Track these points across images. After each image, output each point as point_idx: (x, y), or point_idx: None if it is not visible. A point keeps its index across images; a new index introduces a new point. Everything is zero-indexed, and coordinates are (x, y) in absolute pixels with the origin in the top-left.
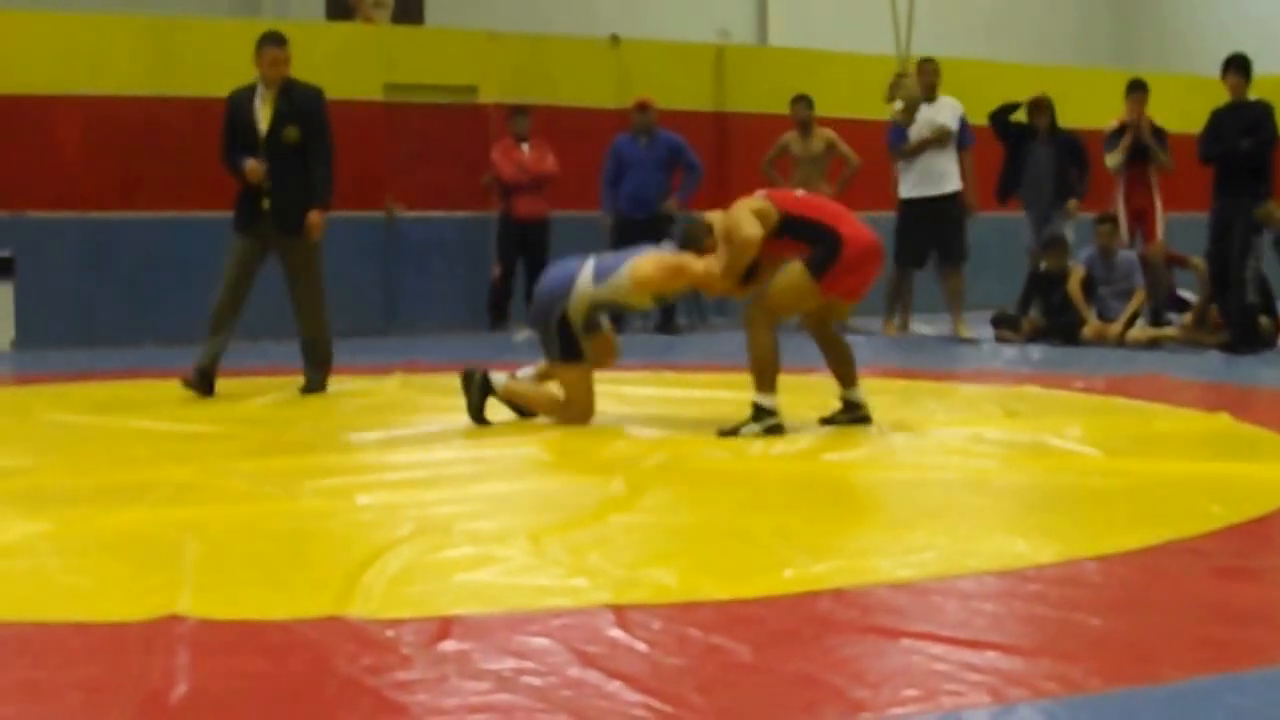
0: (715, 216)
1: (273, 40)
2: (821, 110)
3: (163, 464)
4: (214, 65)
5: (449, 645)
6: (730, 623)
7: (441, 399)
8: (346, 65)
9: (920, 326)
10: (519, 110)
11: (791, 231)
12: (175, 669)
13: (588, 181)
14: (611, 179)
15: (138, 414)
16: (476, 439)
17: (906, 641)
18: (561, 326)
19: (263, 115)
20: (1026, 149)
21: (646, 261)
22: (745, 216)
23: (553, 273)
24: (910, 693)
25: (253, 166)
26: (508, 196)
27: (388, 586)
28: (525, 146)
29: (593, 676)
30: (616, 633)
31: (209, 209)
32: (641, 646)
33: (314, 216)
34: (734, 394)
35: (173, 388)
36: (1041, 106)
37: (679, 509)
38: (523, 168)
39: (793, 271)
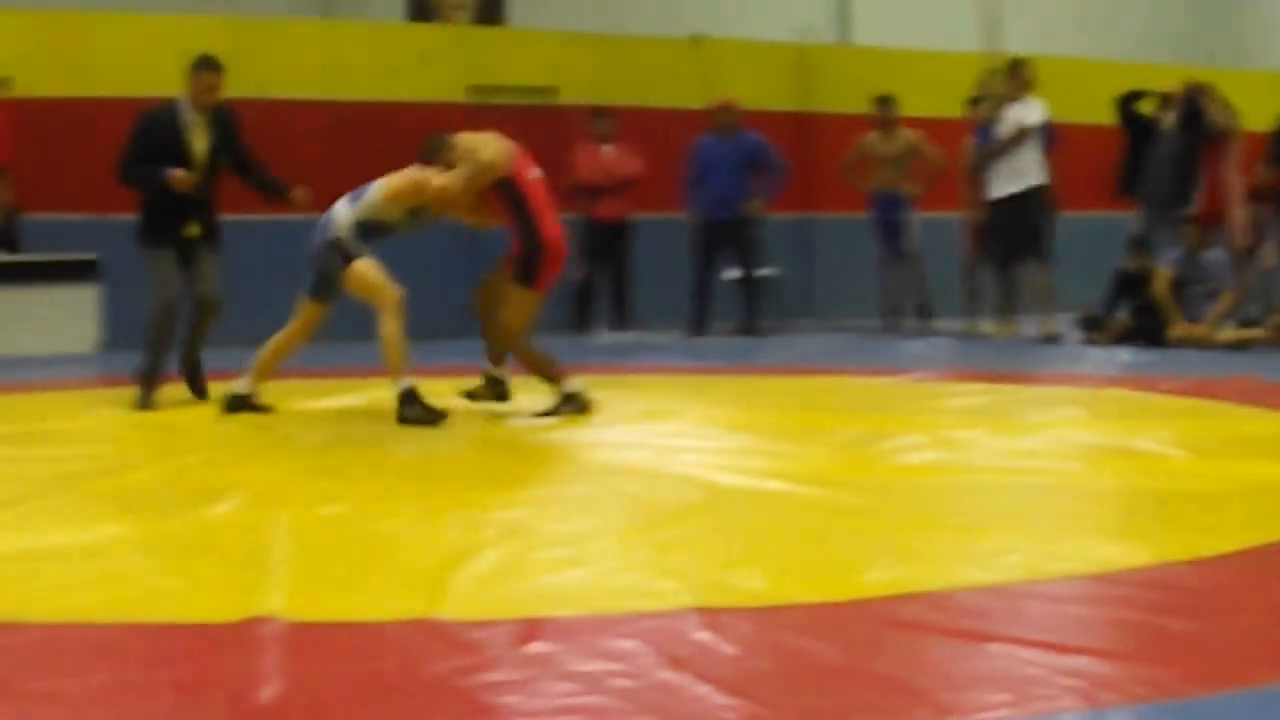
0: (461, 137)
1: (209, 66)
2: (903, 110)
3: (250, 464)
4: (292, 66)
5: (537, 647)
6: (818, 626)
7: (525, 399)
8: (427, 67)
9: (986, 326)
10: (600, 112)
11: (505, 196)
12: (265, 670)
13: (670, 183)
14: (694, 180)
15: (222, 415)
16: (555, 441)
17: (995, 646)
18: (334, 246)
19: (197, 140)
20: (1150, 143)
21: (395, 176)
22: (492, 144)
23: (318, 227)
24: (1000, 697)
25: (181, 175)
26: (590, 198)
27: (475, 588)
28: (606, 148)
29: (681, 679)
30: (704, 635)
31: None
32: (729, 649)
33: (300, 192)
34: (808, 399)
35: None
36: (1174, 99)
37: (762, 512)
38: (605, 170)
39: (513, 295)
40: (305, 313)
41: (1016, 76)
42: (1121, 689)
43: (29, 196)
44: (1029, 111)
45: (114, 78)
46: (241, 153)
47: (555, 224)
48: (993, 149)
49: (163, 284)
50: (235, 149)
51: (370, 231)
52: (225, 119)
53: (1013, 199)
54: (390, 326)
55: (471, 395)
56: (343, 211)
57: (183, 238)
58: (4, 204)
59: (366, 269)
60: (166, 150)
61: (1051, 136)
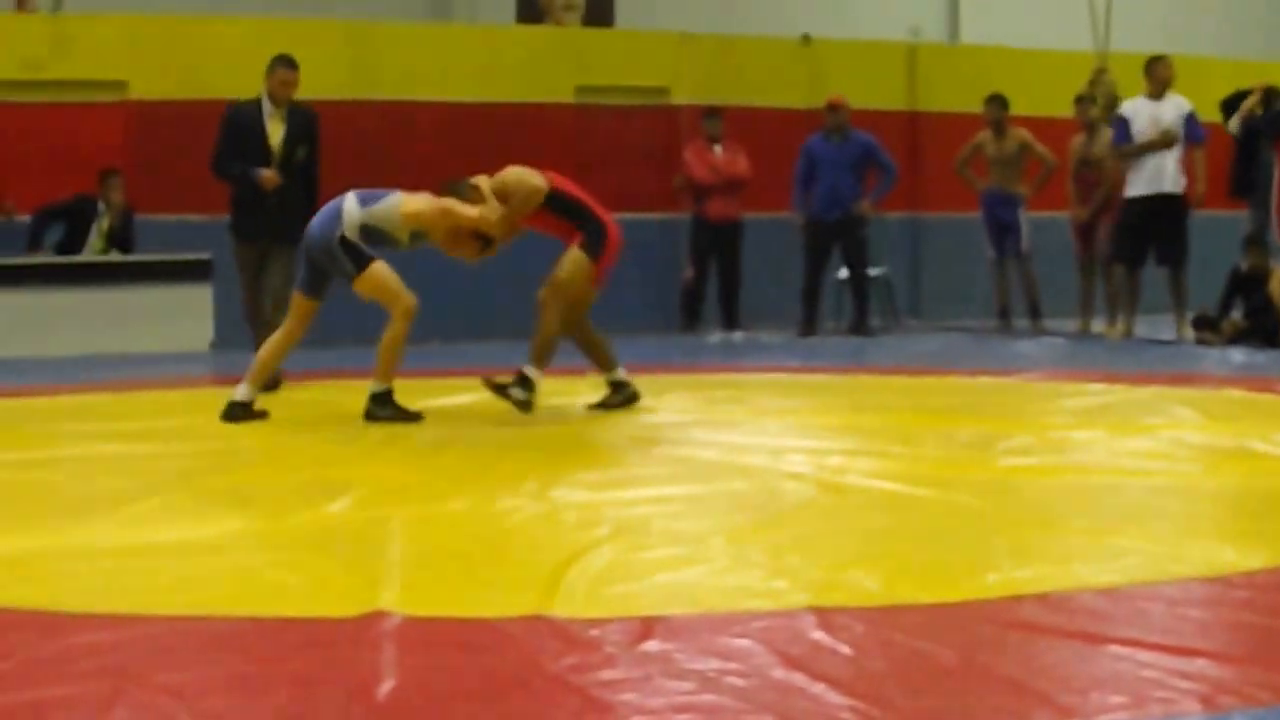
0: (483, 179)
1: (285, 63)
2: (1014, 109)
3: (363, 463)
4: (408, 69)
5: (652, 645)
6: (934, 627)
7: (592, 392)
8: (537, 68)
9: (1098, 326)
10: (711, 111)
11: (557, 206)
12: (382, 665)
13: (780, 182)
14: (804, 180)
15: (336, 413)
16: (667, 441)
17: (1113, 648)
18: (344, 245)
19: (274, 133)
20: (1257, 142)
21: (417, 198)
22: (529, 172)
23: (318, 219)
24: (1119, 699)
25: (269, 175)
26: (700, 198)
27: (590, 586)
28: (717, 148)
29: (797, 679)
30: (819, 635)
31: None
32: (845, 649)
33: None
34: (919, 400)
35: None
36: (1273, 96)
37: (875, 512)
38: (715, 169)
39: (575, 256)
40: (300, 309)
41: (1152, 75)
42: (1240, 692)
43: (141, 197)
44: (1166, 111)
45: (227, 81)
46: (308, 157)
47: (608, 216)
48: (1131, 149)
49: (243, 277)
50: (305, 151)
51: (370, 238)
52: (304, 119)
53: (1154, 200)
54: (397, 331)
55: (603, 405)
56: (352, 211)
57: (261, 231)
58: (118, 205)
59: (385, 273)
60: (247, 142)
61: (1197, 133)
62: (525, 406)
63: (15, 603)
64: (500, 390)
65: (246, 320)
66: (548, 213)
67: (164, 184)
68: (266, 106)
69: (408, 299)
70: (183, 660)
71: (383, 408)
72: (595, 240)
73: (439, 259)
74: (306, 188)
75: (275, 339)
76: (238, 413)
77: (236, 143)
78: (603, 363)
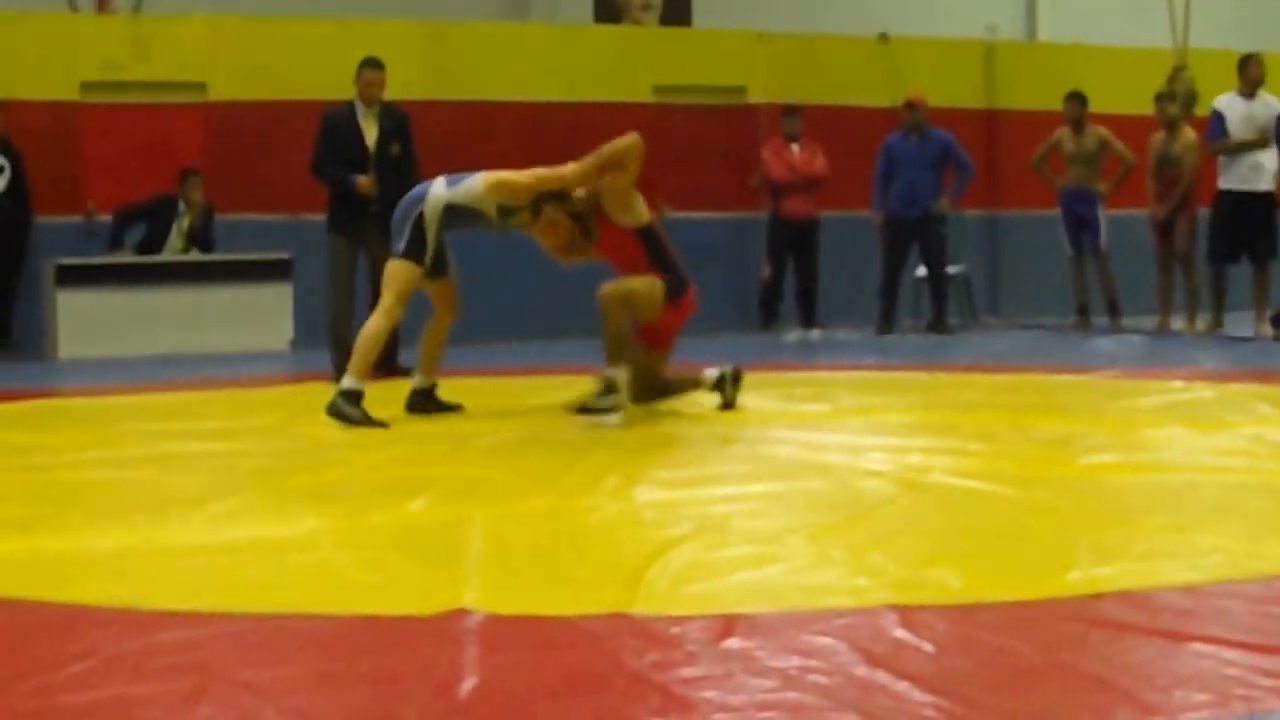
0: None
1: (371, 64)
2: (1092, 107)
3: (442, 462)
4: (485, 68)
5: (734, 643)
6: (1016, 625)
7: (711, 396)
8: (615, 67)
9: (1176, 323)
10: (790, 110)
11: (650, 244)
12: (464, 662)
13: (858, 181)
14: (883, 178)
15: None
16: (746, 439)
17: (1196, 646)
18: (415, 225)
19: (369, 132)
20: None
21: (504, 171)
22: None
23: (406, 196)
24: (1202, 697)
25: (365, 181)
26: (778, 197)
27: (670, 584)
28: (795, 147)
29: (879, 677)
30: (901, 633)
31: None
32: (927, 647)
33: None
34: (998, 398)
35: (446, 386)
36: None
37: (956, 510)
38: (793, 168)
39: (654, 283)
40: (434, 295)
41: (1245, 73)
42: None
43: (220, 197)
44: (1259, 109)
45: (305, 81)
46: (403, 155)
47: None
48: (1229, 145)
49: (335, 272)
50: (400, 149)
51: (457, 218)
52: (396, 119)
53: (1245, 197)
54: (378, 327)
55: (726, 405)
56: (439, 192)
57: (359, 228)
58: (198, 204)
59: (410, 277)
60: (345, 144)
61: None
62: (616, 411)
63: (101, 600)
64: (589, 411)
65: (328, 332)
66: (637, 245)
67: (243, 183)
68: (359, 108)
69: (399, 308)
70: (266, 658)
71: (349, 405)
72: (676, 288)
73: (518, 256)
74: (401, 185)
75: (432, 327)
76: (427, 402)
77: (334, 146)
78: (682, 382)
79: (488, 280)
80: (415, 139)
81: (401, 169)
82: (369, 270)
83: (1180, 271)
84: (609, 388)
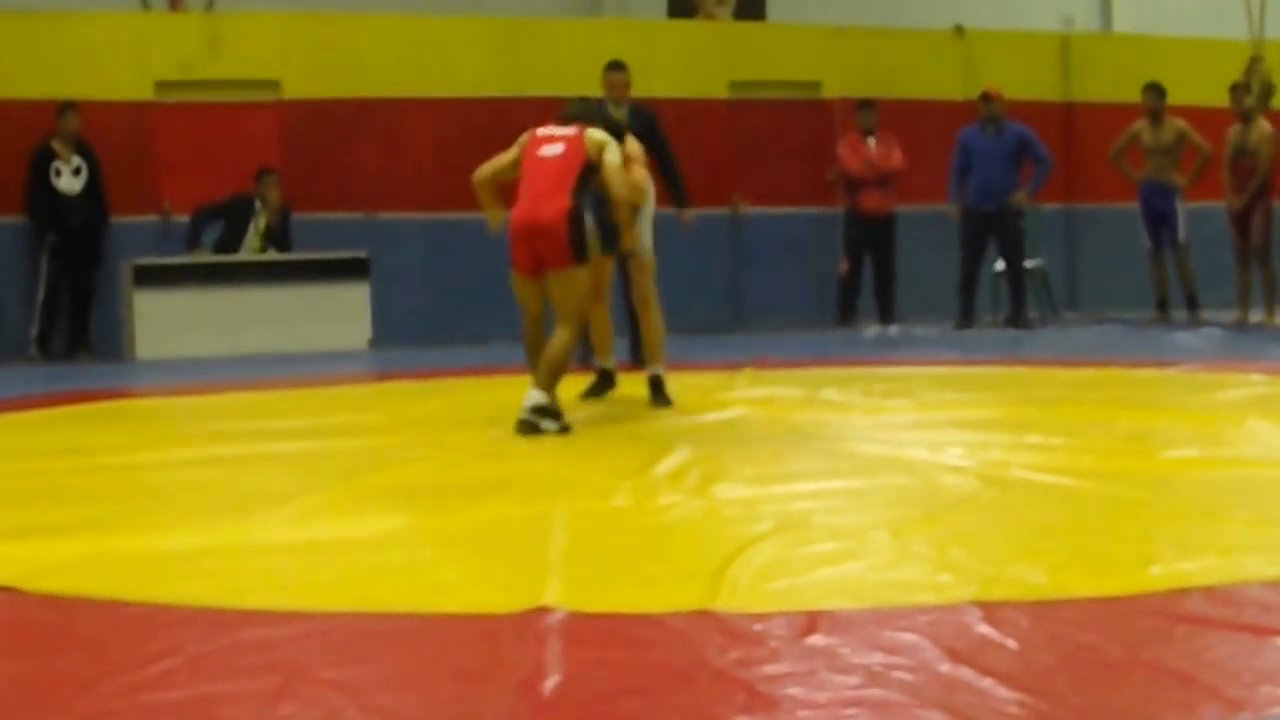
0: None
1: (612, 67)
2: (1170, 98)
3: (522, 459)
4: (559, 65)
5: (817, 639)
6: (1100, 620)
7: (790, 393)
8: (689, 63)
9: (1254, 315)
10: (865, 104)
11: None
12: (547, 660)
13: (934, 175)
14: (959, 171)
15: (495, 411)
16: (828, 435)
17: None
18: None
19: None
20: None
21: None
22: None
23: None
24: None
25: None
26: (854, 191)
27: (753, 580)
28: (871, 141)
29: (964, 673)
30: (985, 629)
31: None
32: (1011, 643)
33: (684, 214)
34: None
35: (522, 384)
36: None
37: (1038, 506)
38: (869, 163)
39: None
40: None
41: None
42: None
43: (296, 196)
44: None
45: (379, 79)
46: (657, 149)
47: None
48: None
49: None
50: (651, 144)
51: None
52: (643, 115)
53: None
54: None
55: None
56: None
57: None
58: (274, 203)
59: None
60: None
61: None
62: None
63: (184, 599)
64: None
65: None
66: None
67: (319, 182)
68: (608, 109)
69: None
70: (349, 656)
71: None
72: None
73: None
74: (667, 173)
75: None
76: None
77: None
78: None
79: None
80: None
81: (661, 163)
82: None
83: (1257, 264)
84: (656, 384)
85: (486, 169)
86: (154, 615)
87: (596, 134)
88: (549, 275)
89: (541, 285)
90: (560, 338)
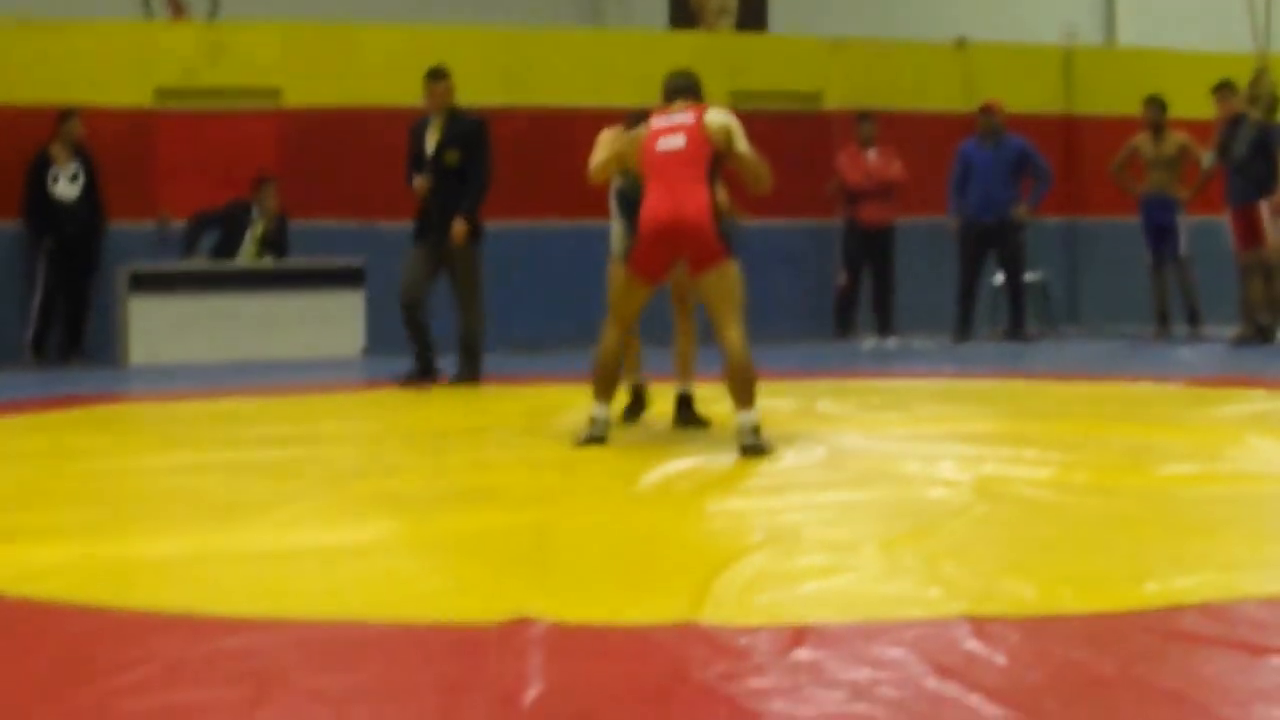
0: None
1: (431, 75)
2: (1172, 112)
3: (512, 467)
4: (561, 75)
5: (803, 653)
6: (1092, 637)
7: (786, 404)
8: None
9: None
10: (865, 116)
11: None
12: (529, 671)
13: (933, 187)
14: (959, 183)
15: (486, 419)
16: (819, 446)
17: (1276, 659)
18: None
19: (430, 140)
20: None
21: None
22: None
23: None
24: None
25: (418, 183)
26: (853, 203)
27: (740, 593)
28: (871, 153)
29: (951, 689)
30: (974, 644)
31: (558, 216)
32: (1000, 659)
33: (456, 224)
34: (1076, 406)
35: (519, 394)
36: None
37: (1032, 520)
38: (868, 174)
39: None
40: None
41: None
42: None
43: (295, 203)
44: None
45: (380, 88)
46: (467, 161)
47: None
48: None
49: (404, 279)
50: (464, 154)
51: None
52: (462, 124)
53: None
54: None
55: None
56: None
57: (435, 237)
58: (272, 211)
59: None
60: (415, 151)
61: None
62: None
63: (163, 606)
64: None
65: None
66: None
67: (317, 190)
68: (431, 118)
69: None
70: (328, 664)
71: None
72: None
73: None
74: (460, 192)
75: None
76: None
77: (411, 153)
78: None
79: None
80: (492, 146)
81: (462, 176)
82: (451, 279)
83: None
84: (685, 403)
85: (603, 157)
86: (132, 621)
87: (717, 118)
88: (703, 276)
89: (682, 290)
90: (736, 343)
